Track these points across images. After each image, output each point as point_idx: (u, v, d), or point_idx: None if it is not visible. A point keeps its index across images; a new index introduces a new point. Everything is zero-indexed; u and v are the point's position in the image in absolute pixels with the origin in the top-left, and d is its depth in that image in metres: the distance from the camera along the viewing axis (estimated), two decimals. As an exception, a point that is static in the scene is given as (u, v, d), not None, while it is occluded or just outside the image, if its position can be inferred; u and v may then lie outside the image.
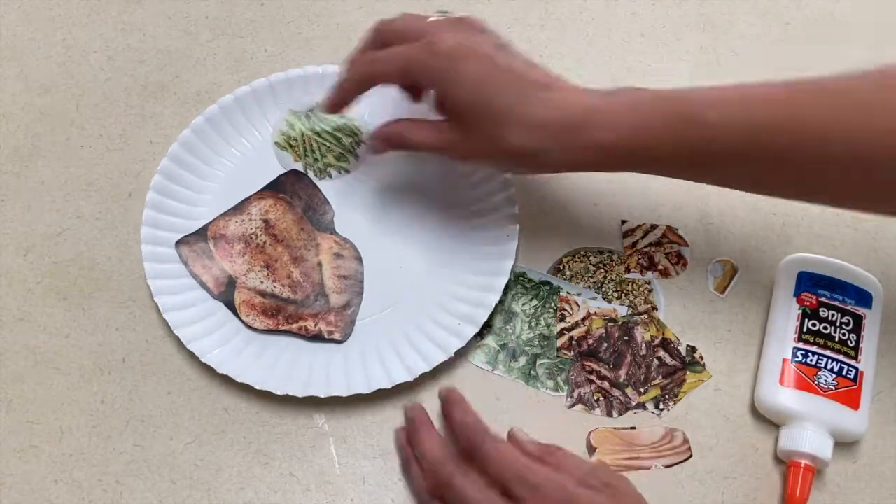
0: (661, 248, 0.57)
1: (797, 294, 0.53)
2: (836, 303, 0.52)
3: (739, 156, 0.45)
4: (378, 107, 0.61)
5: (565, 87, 0.48)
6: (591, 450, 0.51)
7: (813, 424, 0.49)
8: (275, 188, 0.58)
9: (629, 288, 0.56)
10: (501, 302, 0.54)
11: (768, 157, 0.44)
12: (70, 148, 0.61)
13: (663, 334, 0.54)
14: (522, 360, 0.54)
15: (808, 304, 0.52)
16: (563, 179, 0.59)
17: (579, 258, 0.57)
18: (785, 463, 0.50)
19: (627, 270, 0.56)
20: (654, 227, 0.58)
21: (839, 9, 0.67)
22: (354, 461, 0.51)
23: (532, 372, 0.53)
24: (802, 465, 0.48)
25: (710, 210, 0.58)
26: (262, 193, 0.58)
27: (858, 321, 0.52)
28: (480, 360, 0.54)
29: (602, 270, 0.56)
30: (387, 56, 0.48)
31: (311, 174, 0.59)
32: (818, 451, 0.48)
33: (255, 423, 0.52)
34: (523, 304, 0.55)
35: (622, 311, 0.55)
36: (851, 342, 0.51)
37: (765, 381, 0.51)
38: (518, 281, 0.56)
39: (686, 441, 0.51)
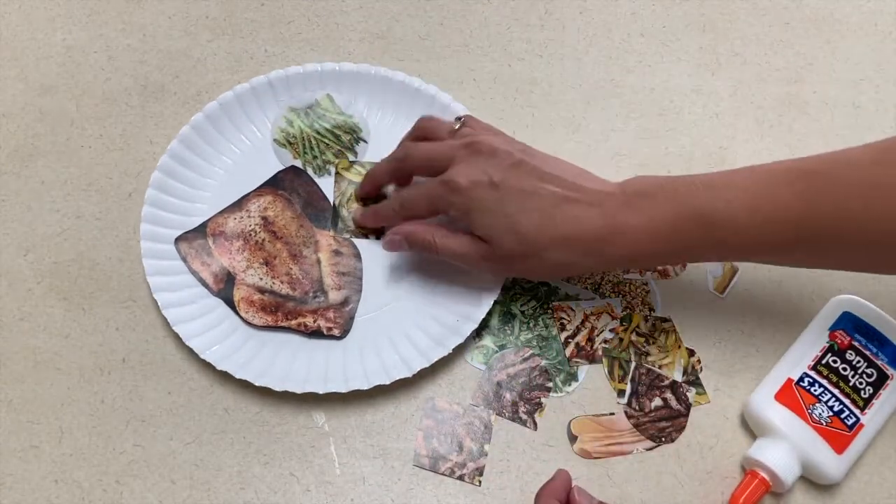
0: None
1: (832, 329, 0.52)
2: (867, 352, 0.51)
3: (751, 249, 0.47)
4: (377, 104, 0.61)
5: (582, 195, 0.49)
6: (573, 438, 0.51)
7: (788, 445, 0.48)
8: (274, 185, 0.58)
9: (626, 289, 0.56)
10: (500, 303, 0.54)
11: (779, 250, 0.47)
12: (70, 148, 0.61)
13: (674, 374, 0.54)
14: (522, 360, 0.54)
15: (839, 341, 0.52)
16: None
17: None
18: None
19: (626, 271, 0.56)
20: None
21: (839, 9, 0.67)
22: (354, 461, 0.51)
23: (531, 372, 0.53)
24: (759, 476, 0.48)
25: (710, 210, 0.58)
26: (261, 190, 0.58)
27: (883, 378, 0.51)
28: (479, 361, 0.54)
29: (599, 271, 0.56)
30: (413, 196, 0.53)
31: (310, 171, 0.59)
32: (780, 469, 0.48)
33: (255, 423, 0.52)
34: (521, 305, 0.55)
35: (617, 305, 0.55)
36: (865, 393, 0.50)
37: (762, 390, 0.51)
38: (516, 281, 0.56)
39: None
